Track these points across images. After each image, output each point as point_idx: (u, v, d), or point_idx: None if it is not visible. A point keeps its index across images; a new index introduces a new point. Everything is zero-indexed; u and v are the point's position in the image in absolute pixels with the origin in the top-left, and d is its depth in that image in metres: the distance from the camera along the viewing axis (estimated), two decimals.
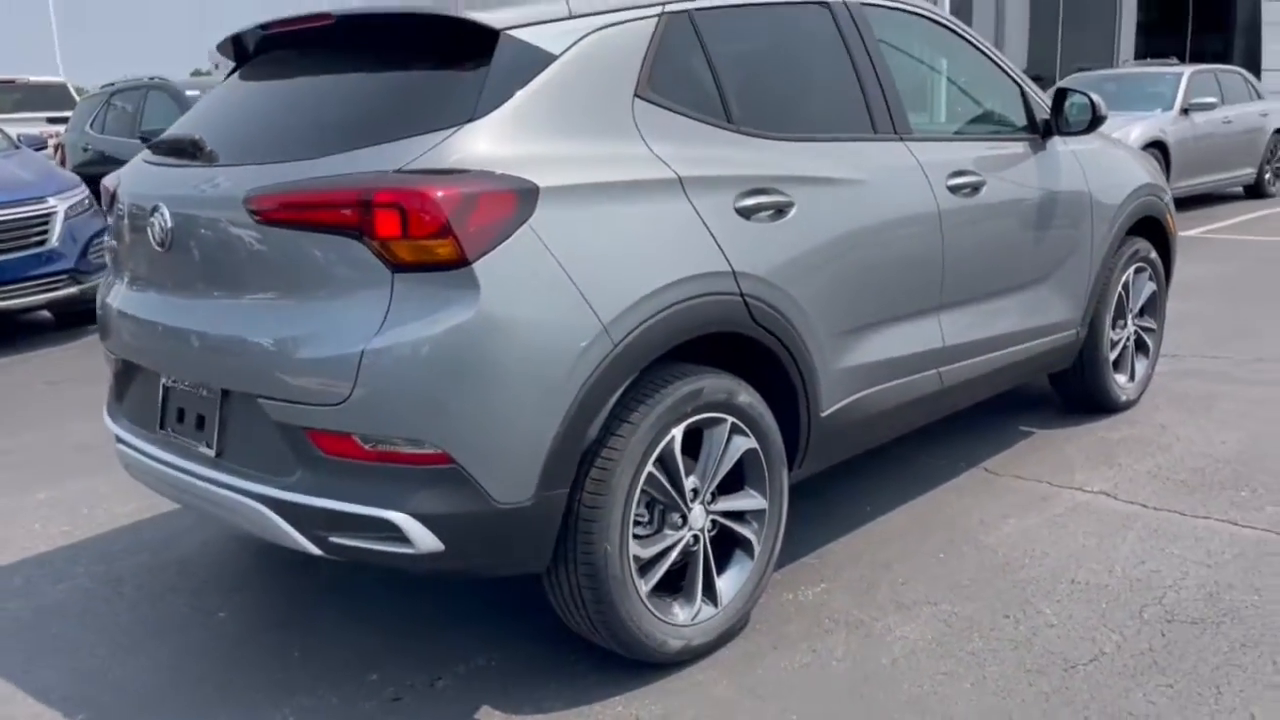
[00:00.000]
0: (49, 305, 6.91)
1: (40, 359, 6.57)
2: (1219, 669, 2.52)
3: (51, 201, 6.82)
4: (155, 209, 2.60)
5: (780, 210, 2.77)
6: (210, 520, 3.44)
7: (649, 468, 2.48)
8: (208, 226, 2.52)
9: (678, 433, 2.53)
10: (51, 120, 13.22)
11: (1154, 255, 4.50)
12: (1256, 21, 30.99)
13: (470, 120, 2.31)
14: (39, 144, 8.72)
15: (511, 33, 2.43)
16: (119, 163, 9.32)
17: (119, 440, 2.93)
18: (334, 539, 2.33)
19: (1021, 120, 3.89)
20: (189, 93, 8.99)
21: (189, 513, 3.80)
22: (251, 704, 2.59)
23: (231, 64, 3.12)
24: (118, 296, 2.89)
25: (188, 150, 2.67)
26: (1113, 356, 4.35)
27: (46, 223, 6.77)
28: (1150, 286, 4.53)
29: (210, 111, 2.91)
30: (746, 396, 2.68)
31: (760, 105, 2.91)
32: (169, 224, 2.56)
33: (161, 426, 2.74)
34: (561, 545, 2.40)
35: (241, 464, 2.49)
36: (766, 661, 2.66)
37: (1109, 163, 4.24)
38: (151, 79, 9.81)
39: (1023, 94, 3.89)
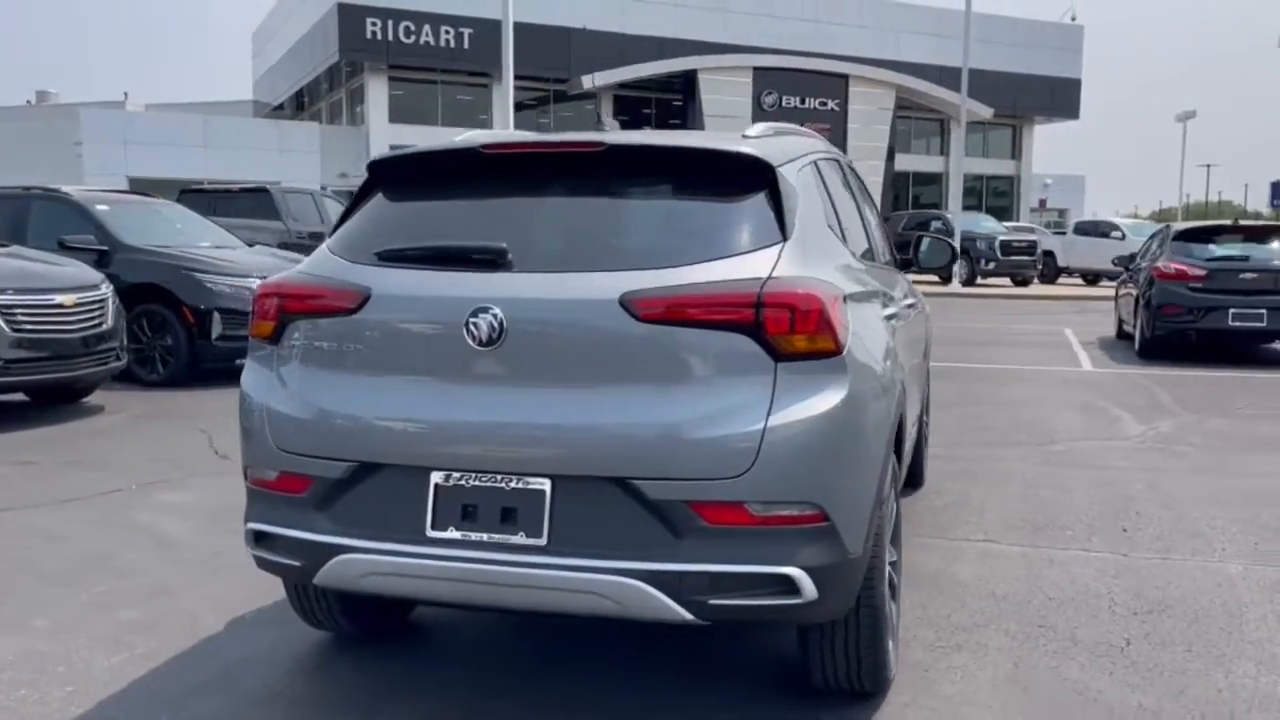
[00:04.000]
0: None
1: None
2: (1199, 636, 3.63)
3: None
4: (481, 310, 2.66)
5: (894, 315, 3.54)
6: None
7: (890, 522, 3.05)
8: (562, 325, 2.68)
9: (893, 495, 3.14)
10: None
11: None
12: None
13: (786, 240, 2.80)
14: None
15: (780, 168, 2.96)
16: None
17: (336, 550, 2.76)
18: (714, 601, 2.57)
19: (889, 256, 5.03)
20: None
21: (209, 658, 3.46)
22: None
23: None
24: (361, 400, 2.79)
25: (482, 257, 2.77)
26: None
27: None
28: (928, 388, 5.89)
29: (444, 219, 3.01)
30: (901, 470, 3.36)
31: (845, 232, 3.66)
32: (501, 323, 2.66)
33: (435, 527, 2.71)
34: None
35: (584, 546, 2.60)
36: (936, 686, 3.26)
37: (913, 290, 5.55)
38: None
39: (887, 235, 5.04)
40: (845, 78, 38.54)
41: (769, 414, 2.58)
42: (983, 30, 36.85)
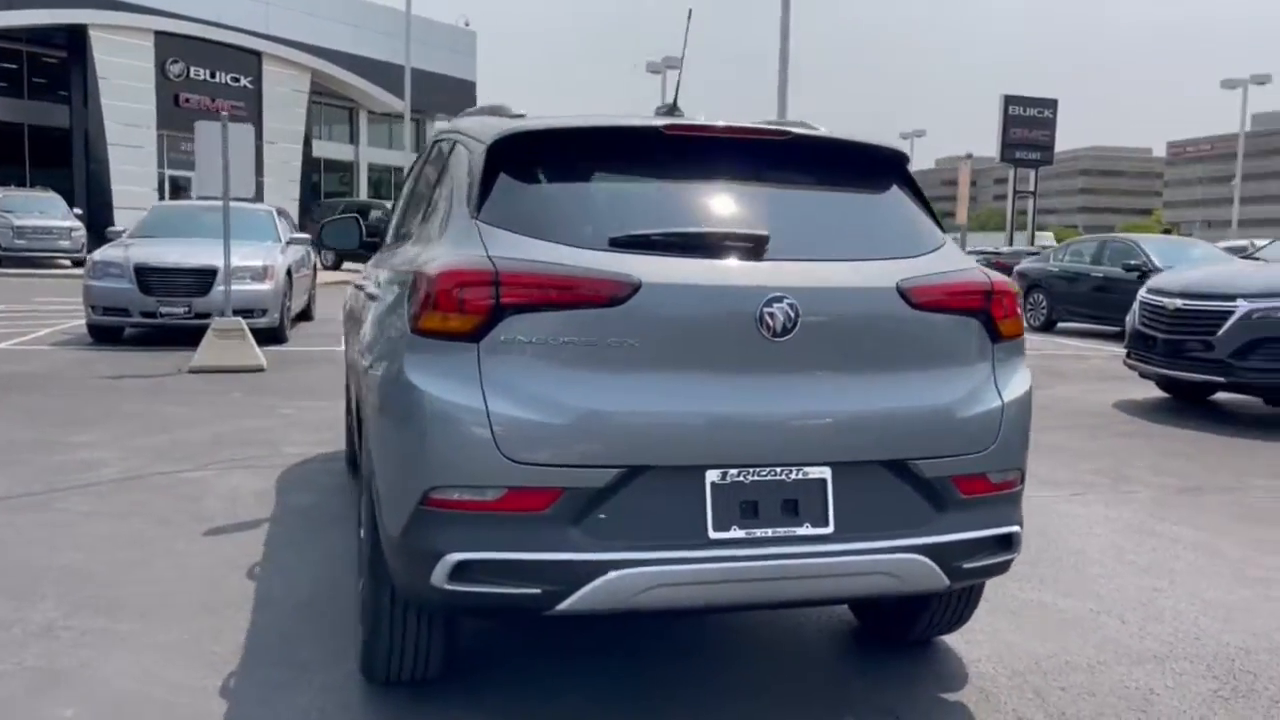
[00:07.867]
0: None
1: None
2: (1052, 561, 4.55)
3: None
4: (776, 299, 2.53)
5: None
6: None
7: None
8: (849, 313, 2.67)
9: None
10: None
11: None
12: (100, 165, 32.80)
13: (946, 233, 3.06)
14: None
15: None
16: None
17: (606, 567, 2.41)
18: (967, 565, 2.76)
19: None
20: None
21: None
22: None
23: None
24: (627, 399, 2.46)
25: (742, 245, 2.65)
26: None
27: None
28: None
29: (650, 202, 2.79)
30: None
31: None
32: (796, 313, 2.54)
33: (717, 528, 2.50)
34: None
35: (867, 530, 2.63)
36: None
37: None
38: None
39: None
40: (259, 55, 36.64)
41: (1002, 391, 2.84)
42: (390, 24, 37.65)
